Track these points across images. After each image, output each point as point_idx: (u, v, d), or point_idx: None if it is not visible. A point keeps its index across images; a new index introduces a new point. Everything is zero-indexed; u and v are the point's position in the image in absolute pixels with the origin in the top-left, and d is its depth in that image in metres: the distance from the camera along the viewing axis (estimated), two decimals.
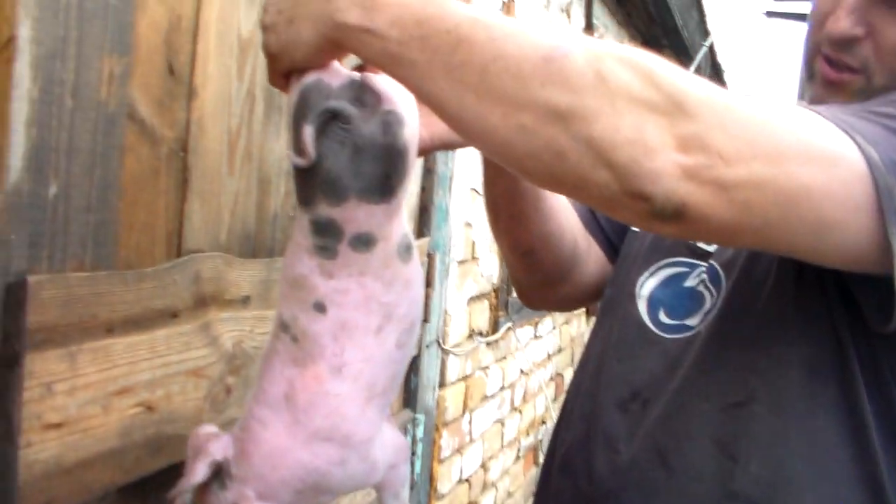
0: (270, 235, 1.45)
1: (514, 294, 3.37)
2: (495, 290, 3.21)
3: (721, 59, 7.94)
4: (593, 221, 1.42)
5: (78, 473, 1.02)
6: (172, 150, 1.19)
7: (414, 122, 0.90)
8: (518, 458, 3.85)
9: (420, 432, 2.34)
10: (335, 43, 0.85)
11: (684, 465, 1.06)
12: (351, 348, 0.88)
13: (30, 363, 0.94)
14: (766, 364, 1.03)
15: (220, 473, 0.88)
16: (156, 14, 1.13)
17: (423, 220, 2.31)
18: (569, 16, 3.88)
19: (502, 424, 3.50)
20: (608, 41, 0.79)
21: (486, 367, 3.18)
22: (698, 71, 5.91)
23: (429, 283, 2.27)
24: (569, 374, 4.75)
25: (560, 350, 4.49)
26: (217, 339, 1.26)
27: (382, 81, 0.87)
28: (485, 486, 3.31)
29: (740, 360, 1.05)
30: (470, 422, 3.02)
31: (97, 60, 1.03)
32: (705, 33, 6.53)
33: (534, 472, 4.20)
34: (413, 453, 2.31)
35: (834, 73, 1.06)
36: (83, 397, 1.02)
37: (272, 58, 0.90)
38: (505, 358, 3.43)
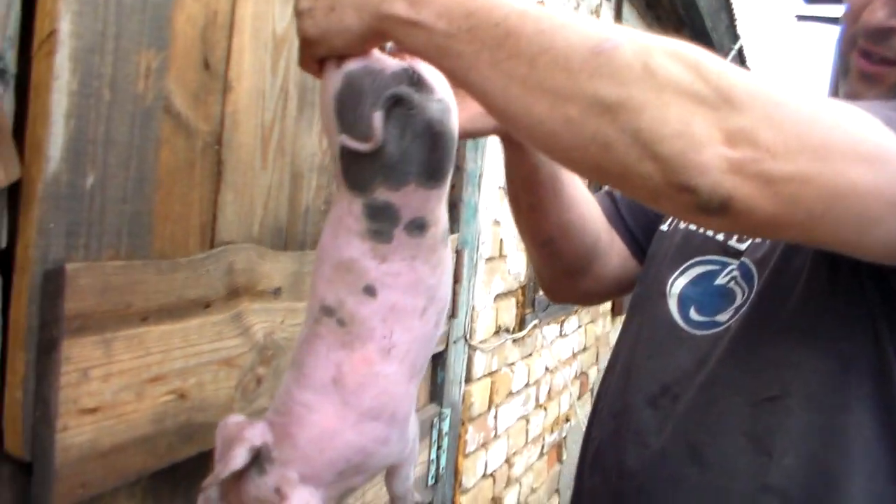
0: (302, 229, 1.46)
1: (541, 292, 3.38)
2: (522, 288, 3.21)
3: (750, 62, 7.87)
4: (616, 215, 1.42)
5: (112, 458, 1.05)
6: (207, 144, 1.20)
7: (456, 110, 0.91)
8: (542, 454, 3.85)
9: (446, 426, 2.35)
10: (379, 33, 0.85)
11: (717, 461, 1.06)
12: (399, 330, 0.89)
13: (67, 349, 0.96)
14: (800, 358, 1.03)
15: (257, 459, 0.89)
16: (192, 9, 1.15)
17: (453, 217, 2.31)
18: (598, 17, 3.87)
19: (527, 421, 3.50)
20: (655, 35, 0.78)
21: (512, 364, 3.18)
22: None
23: (457, 279, 2.28)
24: (593, 373, 4.74)
25: (585, 349, 4.49)
26: (249, 330, 1.28)
27: (429, 69, 0.87)
28: (509, 482, 3.31)
29: (773, 354, 1.05)
30: (495, 417, 3.03)
31: (135, 54, 1.05)
32: (735, 37, 6.48)
33: (557, 469, 4.21)
34: (439, 447, 2.32)
35: (870, 66, 1.07)
36: (118, 383, 1.04)
37: (308, 43, 0.89)
38: (531, 355, 3.43)
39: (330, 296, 0.88)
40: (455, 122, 0.89)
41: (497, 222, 2.78)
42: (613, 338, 5.09)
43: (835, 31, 1.17)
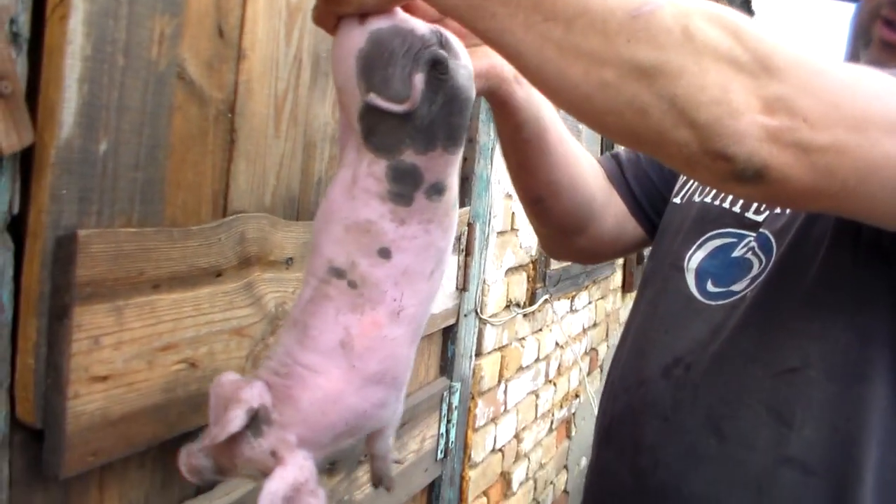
0: (314, 199, 1.46)
1: (552, 267, 3.37)
2: (533, 262, 3.20)
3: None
4: (620, 177, 1.42)
5: (123, 426, 1.05)
6: (220, 112, 1.20)
7: None
8: (551, 430, 3.85)
9: (456, 400, 2.35)
10: None
11: (737, 433, 1.06)
12: (409, 294, 0.87)
13: (78, 315, 0.96)
14: (821, 329, 1.03)
15: (255, 420, 0.87)
16: None
17: (464, 190, 2.31)
18: None
19: (536, 396, 3.50)
20: None
21: (523, 339, 3.18)
22: None
23: (468, 253, 2.28)
24: (603, 350, 4.75)
25: (595, 325, 4.49)
26: (260, 300, 1.27)
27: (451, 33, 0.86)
28: (517, 457, 3.32)
29: (792, 325, 1.05)
30: (505, 392, 3.03)
31: (148, 20, 1.04)
32: (750, 11, 6.45)
33: (566, 445, 4.21)
34: (448, 421, 2.32)
35: (894, 35, 1.06)
36: (129, 351, 1.04)
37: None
38: (541, 330, 3.43)
39: (340, 257, 0.86)
40: (474, 89, 0.88)
41: (509, 195, 2.77)
42: (624, 314, 5.09)
43: (848, 7, 1.16)
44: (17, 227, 0.93)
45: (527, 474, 3.50)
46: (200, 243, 1.14)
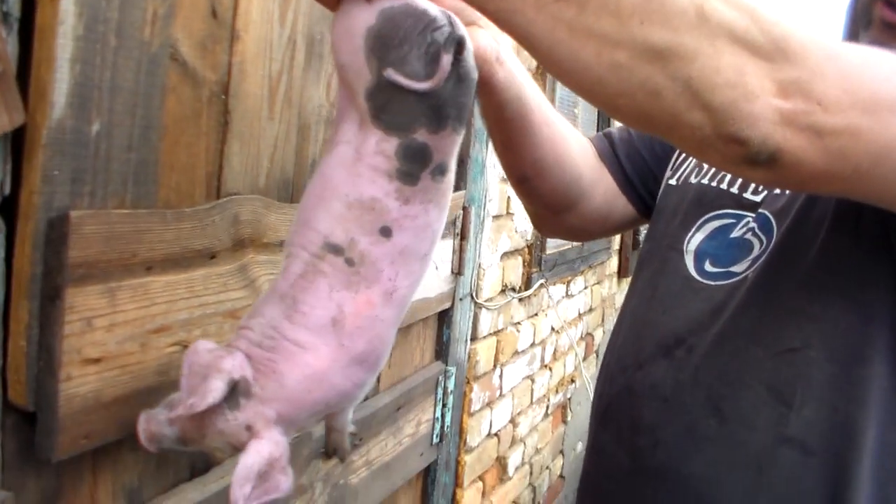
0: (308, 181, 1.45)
1: (548, 251, 3.37)
2: (529, 247, 3.20)
3: None
4: (612, 156, 1.41)
5: (115, 409, 1.04)
6: (214, 93, 1.19)
7: None
8: (547, 415, 3.86)
9: (451, 385, 2.35)
10: None
11: (737, 413, 1.06)
12: (403, 274, 0.87)
13: (70, 297, 0.95)
14: (822, 310, 1.03)
15: (233, 392, 0.85)
16: None
17: (460, 174, 2.29)
18: None
19: (532, 381, 3.51)
20: None
21: (518, 323, 3.18)
22: None
23: (463, 237, 2.27)
24: (599, 335, 4.75)
25: (591, 310, 4.49)
26: (254, 282, 1.27)
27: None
28: (513, 442, 3.32)
29: (793, 305, 1.05)
30: (500, 376, 3.03)
31: (141, 0, 1.03)
32: None
33: (562, 430, 4.22)
34: (444, 405, 2.32)
35: (895, 15, 1.05)
36: (122, 333, 1.03)
37: None
38: (537, 315, 3.43)
39: (338, 233, 0.85)
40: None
41: (504, 179, 2.76)
42: (619, 300, 5.09)
43: None
44: (9, 209, 0.92)
45: (523, 459, 3.50)
46: (194, 225, 1.13)
